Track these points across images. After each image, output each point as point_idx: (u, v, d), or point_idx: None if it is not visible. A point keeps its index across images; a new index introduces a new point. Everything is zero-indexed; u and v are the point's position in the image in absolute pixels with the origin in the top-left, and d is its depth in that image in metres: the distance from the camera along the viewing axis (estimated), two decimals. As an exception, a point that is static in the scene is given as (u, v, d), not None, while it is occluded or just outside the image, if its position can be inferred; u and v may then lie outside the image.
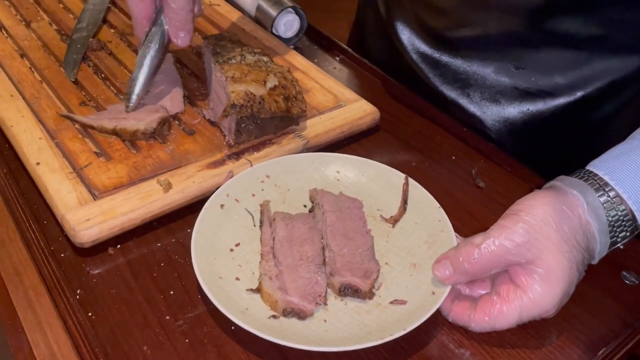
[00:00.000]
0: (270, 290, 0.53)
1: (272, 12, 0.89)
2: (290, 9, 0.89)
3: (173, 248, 0.60)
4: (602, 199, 0.52)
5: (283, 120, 0.69)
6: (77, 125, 0.70)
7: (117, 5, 0.95)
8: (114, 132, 0.68)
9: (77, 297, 0.55)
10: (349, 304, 0.54)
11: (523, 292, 0.50)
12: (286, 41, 0.90)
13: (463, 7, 0.78)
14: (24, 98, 0.74)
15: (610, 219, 0.52)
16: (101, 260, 0.58)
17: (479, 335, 0.53)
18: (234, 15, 0.94)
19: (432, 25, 0.82)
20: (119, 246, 0.60)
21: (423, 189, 0.63)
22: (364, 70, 0.88)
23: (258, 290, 0.54)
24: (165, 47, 0.71)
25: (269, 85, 0.67)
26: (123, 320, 0.53)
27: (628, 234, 0.53)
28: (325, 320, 0.52)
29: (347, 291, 0.54)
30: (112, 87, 0.78)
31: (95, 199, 0.61)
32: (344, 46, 0.92)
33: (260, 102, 0.66)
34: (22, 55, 0.83)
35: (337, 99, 0.77)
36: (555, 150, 0.80)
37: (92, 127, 0.69)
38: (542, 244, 0.50)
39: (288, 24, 0.90)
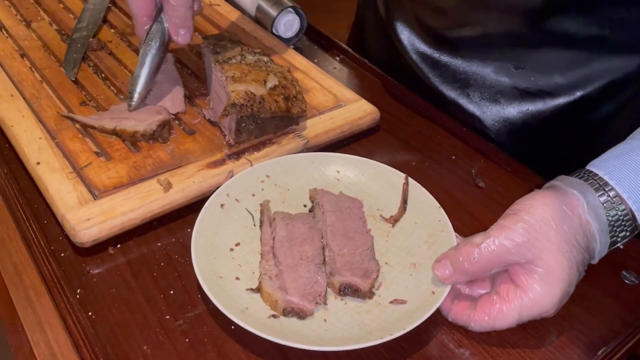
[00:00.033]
0: (270, 289, 0.53)
1: (272, 12, 0.89)
2: (290, 9, 0.89)
3: (173, 248, 0.60)
4: (602, 198, 0.52)
5: (283, 120, 0.69)
6: (77, 125, 0.70)
7: (117, 5, 0.95)
8: (114, 133, 0.68)
9: (77, 296, 0.55)
10: (348, 304, 0.54)
11: (523, 291, 0.50)
12: (286, 41, 0.90)
13: (463, 7, 0.78)
14: (24, 98, 0.74)
15: (610, 218, 0.52)
16: (101, 260, 0.59)
17: (478, 335, 0.53)
18: (234, 15, 0.94)
19: (431, 25, 0.82)
20: (119, 246, 0.60)
21: (423, 189, 0.63)
22: (364, 70, 0.88)
23: (258, 289, 0.54)
24: (166, 45, 0.71)
25: (269, 85, 0.67)
26: (123, 319, 0.53)
27: (628, 233, 0.53)
28: (325, 320, 0.52)
29: (347, 291, 0.54)
30: (112, 87, 0.78)
31: (95, 199, 0.61)
32: (344, 46, 0.92)
33: (260, 102, 0.66)
34: (23, 55, 0.83)
35: (337, 99, 0.77)
36: (555, 150, 0.80)
37: (93, 127, 0.69)
38: (542, 243, 0.50)
39: (288, 24, 0.90)
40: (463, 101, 0.81)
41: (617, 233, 0.52)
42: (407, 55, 0.85)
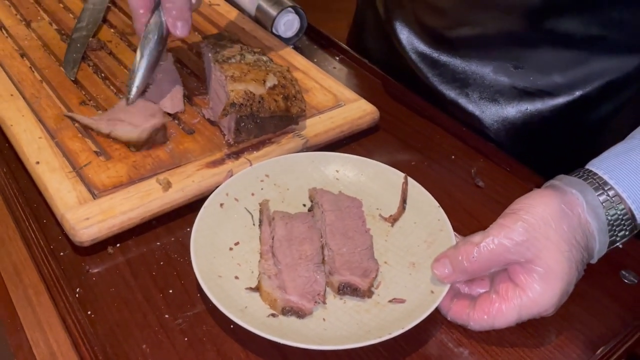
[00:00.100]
0: (269, 289, 0.53)
1: (272, 11, 0.89)
2: (290, 9, 0.89)
3: (172, 247, 0.60)
4: (602, 198, 0.52)
5: (282, 120, 0.69)
6: (76, 125, 0.70)
7: (117, 4, 0.95)
8: (109, 138, 0.68)
9: (77, 295, 0.55)
10: (348, 303, 0.54)
11: (522, 290, 0.50)
12: (286, 41, 0.90)
13: (462, 7, 0.79)
14: (24, 97, 0.74)
15: (609, 218, 0.52)
16: (100, 259, 0.59)
17: (478, 334, 0.53)
18: (233, 14, 0.94)
19: (431, 24, 0.82)
20: (118, 245, 0.60)
21: (422, 188, 0.63)
22: (364, 70, 0.88)
23: (257, 289, 0.54)
24: (165, 39, 0.70)
25: (269, 84, 0.67)
26: (122, 319, 0.53)
27: (627, 233, 0.53)
28: (324, 319, 0.52)
29: (346, 290, 0.54)
30: (111, 87, 0.78)
31: (94, 198, 0.61)
32: (344, 46, 0.92)
33: (259, 102, 0.66)
34: (22, 55, 0.83)
35: (336, 99, 0.77)
36: (554, 149, 0.80)
37: (91, 129, 0.69)
38: (542, 243, 0.50)
39: (288, 23, 0.90)
40: (462, 101, 0.81)
41: (616, 232, 0.52)
42: (407, 55, 0.85)
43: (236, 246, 0.59)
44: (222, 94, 0.68)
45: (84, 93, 0.76)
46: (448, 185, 0.68)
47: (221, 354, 0.51)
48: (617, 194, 0.52)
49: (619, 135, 0.56)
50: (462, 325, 0.53)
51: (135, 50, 0.82)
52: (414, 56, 0.85)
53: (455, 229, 0.59)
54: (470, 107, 0.81)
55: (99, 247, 0.59)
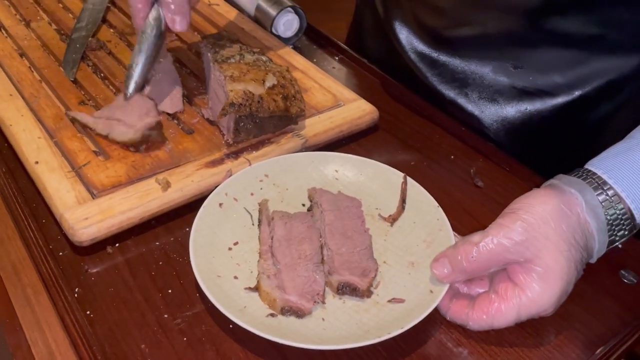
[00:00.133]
0: (268, 288, 0.53)
1: (272, 11, 0.89)
2: (289, 9, 0.89)
3: (171, 247, 0.60)
4: (601, 197, 0.52)
5: (282, 120, 0.69)
6: (76, 125, 0.70)
7: (117, 4, 0.95)
8: (107, 139, 0.68)
9: (76, 295, 0.55)
10: (347, 303, 0.54)
11: (521, 290, 0.50)
12: (285, 41, 0.90)
13: (462, 7, 0.78)
14: (23, 97, 0.74)
15: (608, 217, 0.52)
16: (99, 259, 0.58)
17: (477, 334, 0.53)
18: (233, 14, 0.94)
19: (430, 24, 0.82)
20: (117, 245, 0.60)
21: (421, 188, 0.63)
22: (363, 70, 0.88)
23: (256, 288, 0.54)
24: (164, 34, 0.70)
25: (268, 84, 0.67)
26: (121, 318, 0.53)
27: (626, 232, 0.53)
28: (323, 319, 0.52)
29: (345, 290, 0.54)
30: (111, 87, 0.78)
31: (93, 198, 0.61)
32: (343, 46, 0.92)
33: (258, 101, 0.66)
34: (22, 55, 0.83)
35: (336, 99, 0.77)
36: (553, 149, 0.80)
37: (90, 129, 0.69)
38: (541, 242, 0.50)
39: (287, 23, 0.90)
40: (462, 101, 0.81)
41: (615, 232, 0.52)
42: (406, 55, 0.85)
43: (235, 246, 0.59)
44: (221, 94, 0.68)
45: (83, 93, 0.76)
46: (447, 185, 0.68)
47: (220, 354, 0.51)
48: (616, 194, 0.52)
49: (619, 135, 0.56)
50: (461, 325, 0.53)
51: (134, 50, 0.83)
52: (413, 56, 0.85)
53: (454, 228, 0.59)
54: (470, 106, 0.81)
55: (98, 246, 0.59)
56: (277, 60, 0.81)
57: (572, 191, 0.52)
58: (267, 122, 0.68)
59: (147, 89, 0.71)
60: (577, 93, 0.76)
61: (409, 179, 0.64)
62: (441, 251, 0.54)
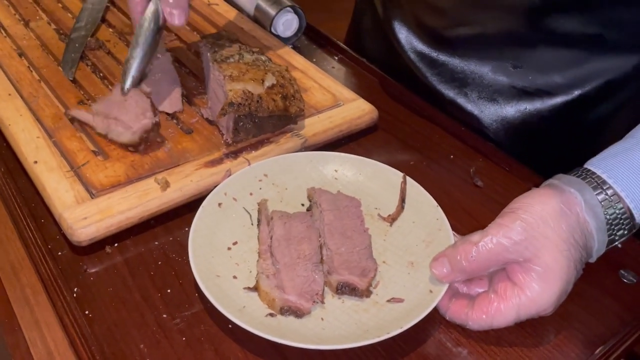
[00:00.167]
0: (267, 288, 0.53)
1: (271, 11, 0.89)
2: (289, 8, 0.89)
3: (170, 246, 0.60)
4: (600, 197, 0.52)
5: (281, 119, 0.69)
6: (75, 124, 0.70)
7: (116, 4, 0.95)
8: (107, 139, 0.68)
9: (74, 295, 0.55)
10: (346, 302, 0.54)
11: (521, 290, 0.50)
12: (285, 40, 0.90)
13: (461, 6, 0.78)
14: (22, 97, 0.74)
15: (608, 217, 0.52)
16: (98, 259, 0.58)
17: (476, 334, 0.53)
18: (232, 14, 0.94)
19: (429, 24, 0.82)
20: (116, 245, 0.60)
21: (421, 188, 0.63)
22: (363, 70, 0.88)
23: (255, 288, 0.54)
24: (162, 28, 0.69)
25: (267, 84, 0.67)
26: (120, 318, 0.53)
27: (626, 232, 0.53)
28: (322, 319, 0.52)
29: (345, 289, 0.54)
30: (110, 86, 0.78)
31: (92, 198, 0.61)
32: (343, 46, 0.92)
33: (258, 101, 0.66)
34: (21, 55, 0.83)
35: (335, 98, 0.77)
36: (553, 149, 0.80)
37: (89, 126, 0.69)
38: (540, 242, 0.50)
39: (287, 23, 0.90)
40: (461, 100, 0.81)
41: (615, 231, 0.52)
42: (405, 55, 0.85)
43: (234, 246, 0.59)
44: (220, 94, 0.68)
45: (82, 92, 0.76)
46: (447, 185, 0.68)
47: (219, 354, 0.51)
48: (615, 193, 0.52)
49: (618, 135, 0.56)
50: (461, 325, 0.53)
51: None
52: (412, 56, 0.84)
53: (453, 228, 0.59)
54: (469, 106, 0.81)
55: (97, 246, 0.59)
56: (277, 60, 0.81)
57: (571, 191, 0.52)
58: (266, 121, 0.68)
59: (144, 86, 0.71)
60: (576, 93, 0.76)
61: (408, 178, 0.64)
62: (440, 251, 0.54)
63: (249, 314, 0.52)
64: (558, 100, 0.76)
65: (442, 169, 0.71)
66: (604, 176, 0.52)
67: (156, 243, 0.60)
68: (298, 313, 0.52)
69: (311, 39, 0.94)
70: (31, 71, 0.79)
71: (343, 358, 0.51)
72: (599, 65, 0.74)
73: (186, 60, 0.84)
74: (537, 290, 0.50)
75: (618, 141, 0.55)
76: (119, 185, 0.62)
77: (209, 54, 0.73)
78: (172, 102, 0.73)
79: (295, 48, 0.89)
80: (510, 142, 0.79)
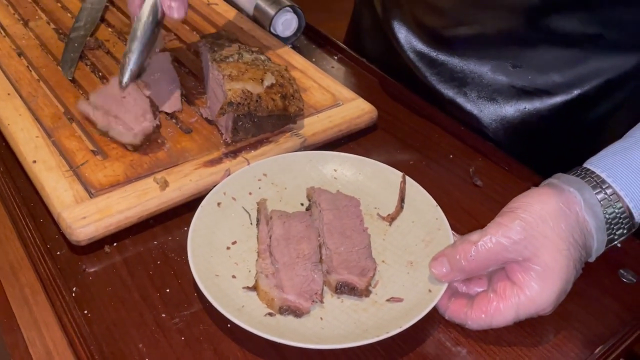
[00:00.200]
0: (266, 288, 0.53)
1: (270, 11, 0.89)
2: (288, 8, 0.89)
3: (169, 246, 0.60)
4: (600, 196, 0.52)
5: (280, 119, 0.69)
6: (74, 124, 0.70)
7: (115, 4, 0.95)
8: (107, 137, 0.68)
9: (73, 295, 0.55)
10: (345, 302, 0.54)
11: (520, 289, 0.50)
12: (284, 40, 0.90)
13: (461, 6, 0.78)
14: (21, 96, 0.74)
15: (607, 216, 0.52)
16: (97, 258, 0.58)
17: (475, 333, 0.53)
18: (231, 14, 0.94)
19: (429, 24, 0.82)
20: (115, 244, 0.60)
21: (420, 188, 0.63)
22: (362, 69, 0.88)
23: (254, 288, 0.54)
24: (160, 22, 0.69)
25: (266, 83, 0.67)
26: (119, 318, 0.53)
27: (625, 231, 0.53)
28: (321, 318, 0.52)
29: (344, 289, 0.54)
30: (109, 86, 0.78)
31: (91, 197, 0.61)
32: (342, 45, 0.92)
33: (257, 101, 0.66)
34: (20, 54, 0.83)
35: (334, 98, 0.77)
36: (552, 148, 0.80)
37: (89, 121, 0.69)
38: (539, 241, 0.50)
39: (286, 23, 0.90)
40: (460, 100, 0.81)
41: (614, 231, 0.52)
42: (405, 54, 0.85)
43: (233, 245, 0.59)
44: (219, 93, 0.68)
45: (81, 92, 0.76)
46: (446, 184, 0.68)
47: (218, 353, 0.51)
48: (614, 192, 0.52)
49: (617, 134, 0.56)
50: (460, 324, 0.53)
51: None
52: (412, 55, 0.84)
53: (453, 227, 0.59)
54: (469, 106, 0.81)
55: (96, 246, 0.59)
56: (276, 60, 0.81)
57: (570, 190, 0.52)
58: (266, 121, 0.68)
59: (143, 85, 0.71)
60: (576, 92, 0.76)
61: (407, 178, 0.64)
62: (440, 250, 0.54)
63: (248, 313, 0.52)
64: (557, 99, 0.76)
65: (442, 168, 0.71)
66: (603, 175, 0.52)
67: (155, 242, 0.60)
68: (297, 312, 0.52)
69: (310, 39, 0.94)
70: (30, 71, 0.79)
71: (342, 357, 0.51)
72: (598, 65, 0.74)
73: (185, 60, 0.84)
74: (537, 290, 0.50)
75: (617, 140, 0.55)
76: (118, 184, 0.62)
77: (208, 53, 0.72)
78: (172, 101, 0.73)
79: (294, 48, 0.89)
80: (509, 142, 0.79)
